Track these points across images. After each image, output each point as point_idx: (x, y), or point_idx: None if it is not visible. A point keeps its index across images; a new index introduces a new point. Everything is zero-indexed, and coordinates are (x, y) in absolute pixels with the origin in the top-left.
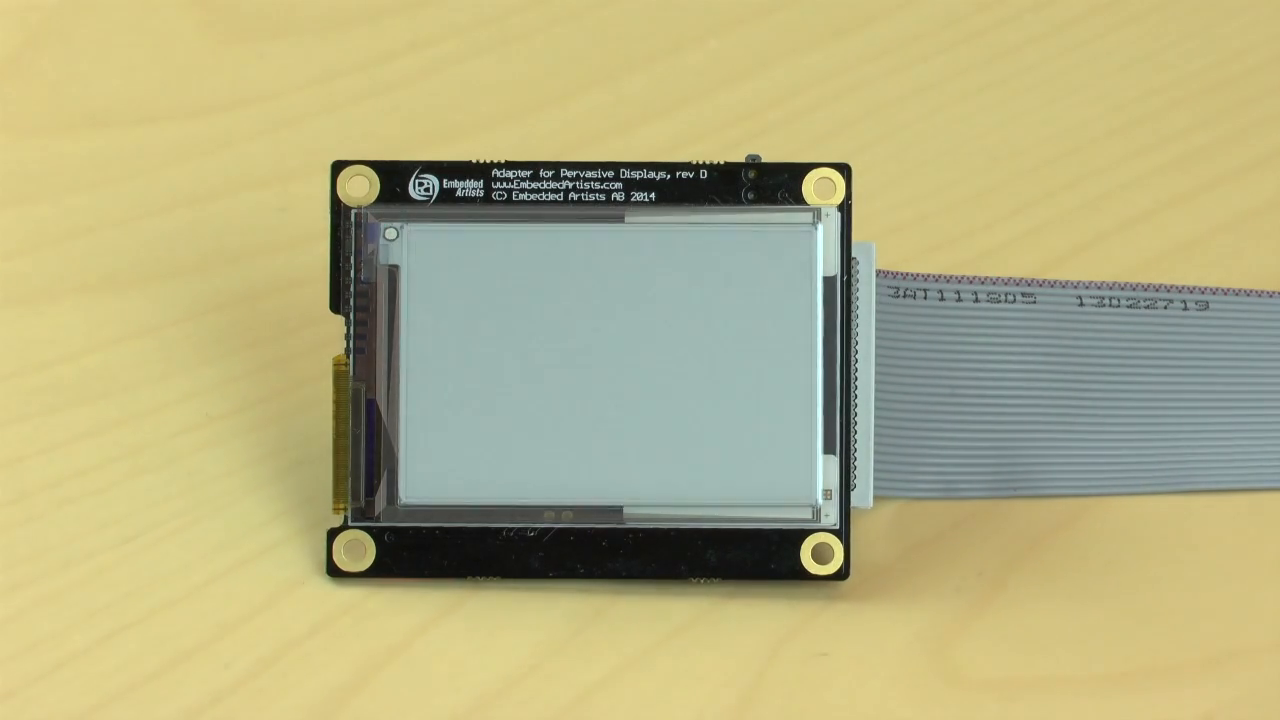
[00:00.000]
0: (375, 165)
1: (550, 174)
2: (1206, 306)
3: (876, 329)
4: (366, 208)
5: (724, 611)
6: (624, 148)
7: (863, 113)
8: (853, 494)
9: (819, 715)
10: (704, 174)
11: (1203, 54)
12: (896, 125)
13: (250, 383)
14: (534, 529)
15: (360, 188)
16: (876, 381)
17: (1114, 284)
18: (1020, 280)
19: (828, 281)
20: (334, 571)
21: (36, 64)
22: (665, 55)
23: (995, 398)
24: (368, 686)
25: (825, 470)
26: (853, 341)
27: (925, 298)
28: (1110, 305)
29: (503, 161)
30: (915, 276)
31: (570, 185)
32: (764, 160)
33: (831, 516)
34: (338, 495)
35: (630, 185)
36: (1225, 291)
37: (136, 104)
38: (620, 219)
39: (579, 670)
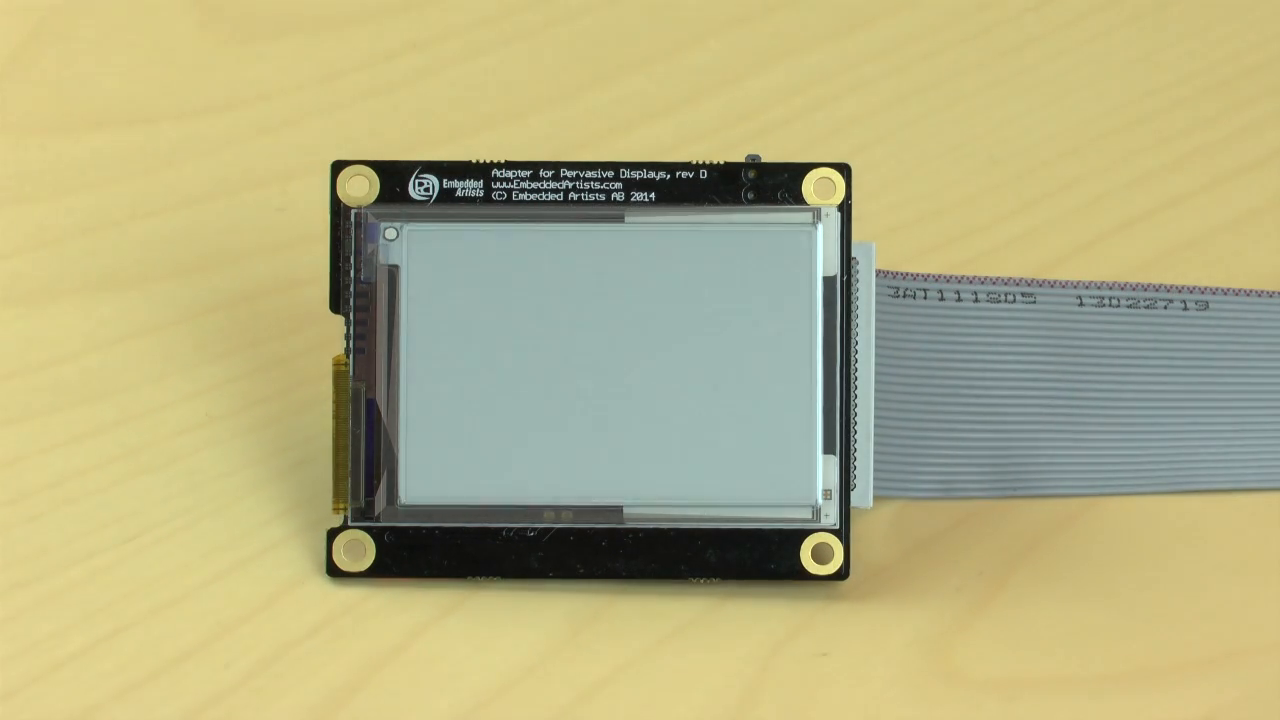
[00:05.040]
0: (375, 165)
1: (550, 174)
2: (1206, 306)
3: (876, 329)
4: (366, 208)
5: (724, 611)
6: (624, 148)
7: (863, 113)
8: (853, 494)
9: (819, 715)
10: (704, 174)
11: (1203, 54)
12: (896, 125)
13: (250, 383)
14: (534, 529)
15: (360, 188)
16: (876, 381)
17: (1114, 284)
18: (1020, 280)
19: (828, 281)
20: (334, 571)
21: (36, 64)
22: (665, 55)
23: (995, 398)
24: (368, 686)
25: (825, 470)
26: (853, 341)
27: (925, 298)
28: (1110, 305)
29: (503, 161)
30: (915, 276)
31: (570, 185)
32: (764, 160)
33: (831, 516)
34: (338, 495)
35: (630, 185)
36: (1225, 291)
37: (136, 104)
38: (620, 219)
39: (579, 670)
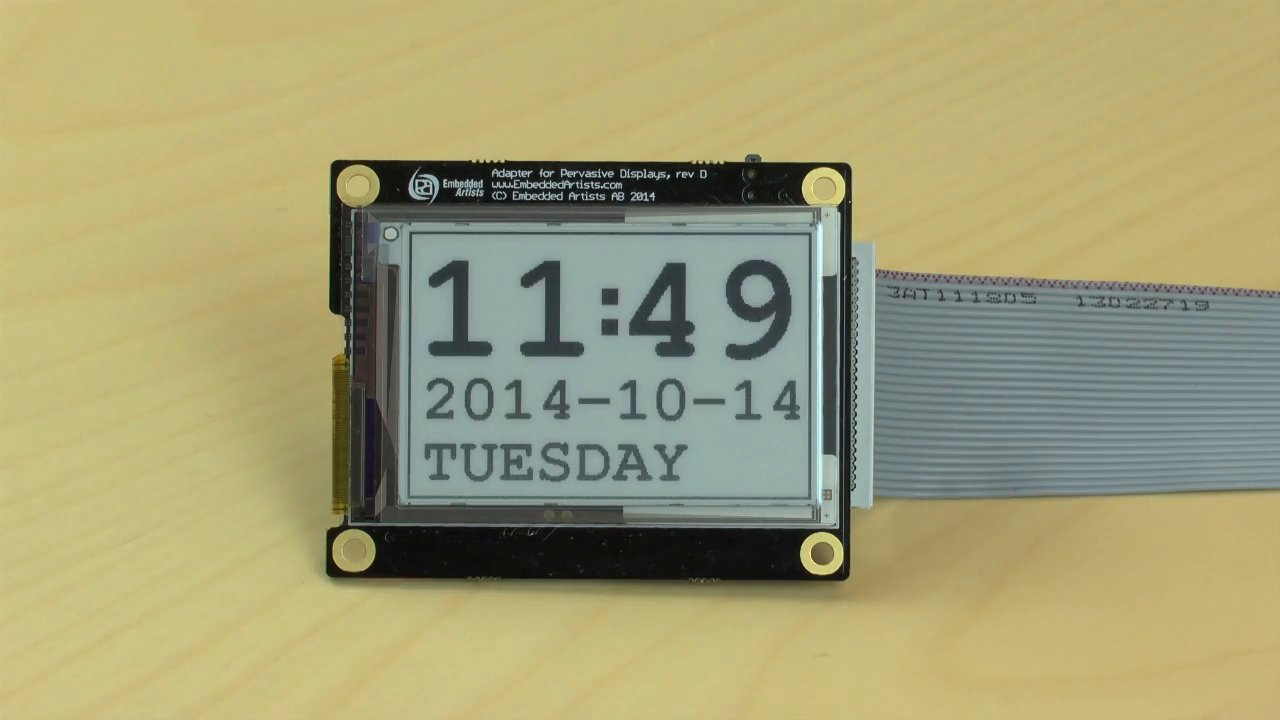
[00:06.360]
0: (375, 165)
1: (550, 174)
2: (1206, 306)
3: (876, 329)
4: (366, 208)
5: (724, 611)
6: (624, 148)
7: (863, 113)
8: (853, 494)
9: (819, 715)
10: (704, 174)
11: (1203, 54)
12: (896, 125)
13: (250, 383)
14: (534, 529)
15: (360, 188)
16: (876, 381)
17: (1114, 284)
18: (1020, 280)
19: (828, 281)
20: (334, 571)
21: (36, 64)
22: (665, 55)
23: (995, 398)
24: (368, 686)
25: (825, 470)
26: (853, 341)
27: (925, 298)
28: (1110, 305)
29: (503, 161)
30: (915, 276)
31: (570, 185)
32: (764, 160)
33: (831, 516)
34: (338, 495)
35: (630, 185)
36: (1225, 291)
37: (136, 104)
38: (620, 219)
39: (579, 670)
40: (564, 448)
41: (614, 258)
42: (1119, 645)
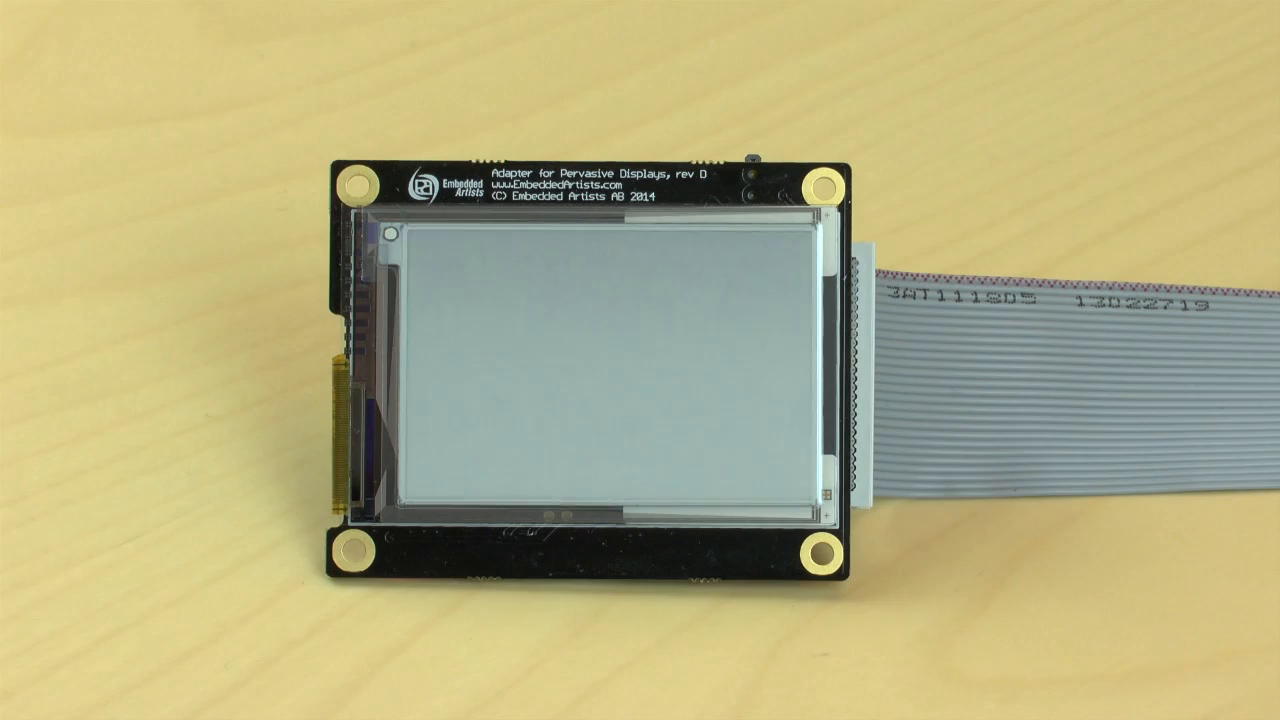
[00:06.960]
0: (375, 165)
1: (550, 174)
2: (1206, 306)
3: (876, 329)
4: (366, 208)
5: (724, 611)
6: (624, 148)
7: (863, 113)
8: (853, 494)
9: (819, 715)
10: (704, 174)
11: (1203, 54)
12: (896, 125)
13: (250, 383)
14: (534, 529)
15: (360, 188)
16: (876, 381)
17: (1114, 284)
18: (1020, 280)
19: (828, 281)
20: (334, 571)
21: (36, 64)
22: (665, 55)
23: (995, 398)
24: (368, 686)
25: (825, 470)
26: (853, 341)
27: (925, 298)
28: (1110, 305)
29: (503, 161)
30: (915, 276)
31: (570, 185)
32: (764, 160)
33: (831, 516)
34: (338, 495)
35: (630, 185)
36: (1225, 291)
37: (136, 104)
38: (620, 219)
39: (579, 670)
40: (564, 448)
41: (614, 258)
42: (1119, 645)
